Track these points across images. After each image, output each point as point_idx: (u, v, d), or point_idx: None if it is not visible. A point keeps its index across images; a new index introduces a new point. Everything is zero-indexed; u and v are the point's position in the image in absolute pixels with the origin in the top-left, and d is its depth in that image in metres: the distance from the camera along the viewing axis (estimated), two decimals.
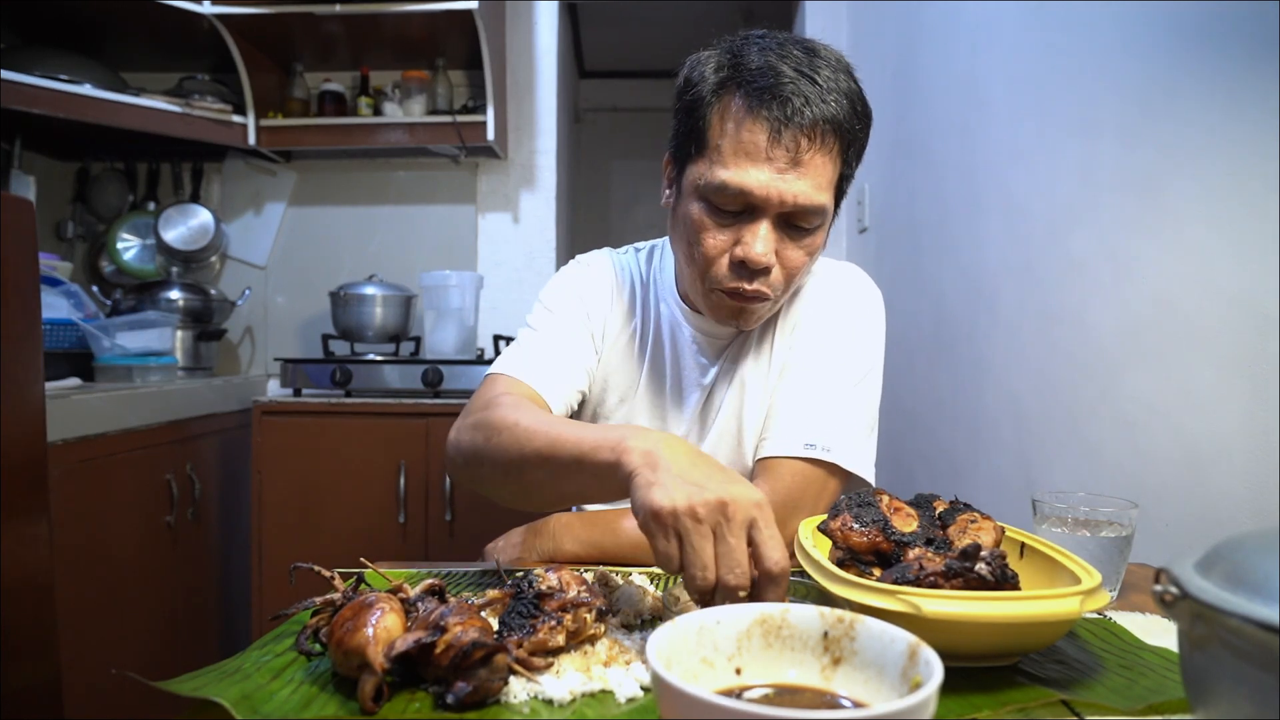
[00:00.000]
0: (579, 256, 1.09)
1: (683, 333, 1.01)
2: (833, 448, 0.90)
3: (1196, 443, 0.94)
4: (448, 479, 2.05)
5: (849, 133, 0.85)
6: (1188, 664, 0.41)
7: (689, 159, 0.88)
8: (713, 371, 1.00)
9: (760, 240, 0.83)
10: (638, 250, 1.10)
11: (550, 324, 1.01)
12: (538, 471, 0.75)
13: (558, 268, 2.62)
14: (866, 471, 0.93)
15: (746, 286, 0.86)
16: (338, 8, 2.21)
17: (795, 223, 0.85)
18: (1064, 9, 1.25)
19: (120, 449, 1.72)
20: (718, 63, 0.86)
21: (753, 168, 0.82)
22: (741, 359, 0.99)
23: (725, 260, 0.86)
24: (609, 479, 0.66)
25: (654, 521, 0.59)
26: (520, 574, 0.63)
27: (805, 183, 0.82)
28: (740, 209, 0.84)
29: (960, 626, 0.52)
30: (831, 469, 0.90)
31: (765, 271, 0.85)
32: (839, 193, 0.89)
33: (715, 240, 0.86)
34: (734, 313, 0.90)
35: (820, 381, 0.94)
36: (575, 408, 1.02)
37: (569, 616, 0.58)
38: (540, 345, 0.98)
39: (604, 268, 1.06)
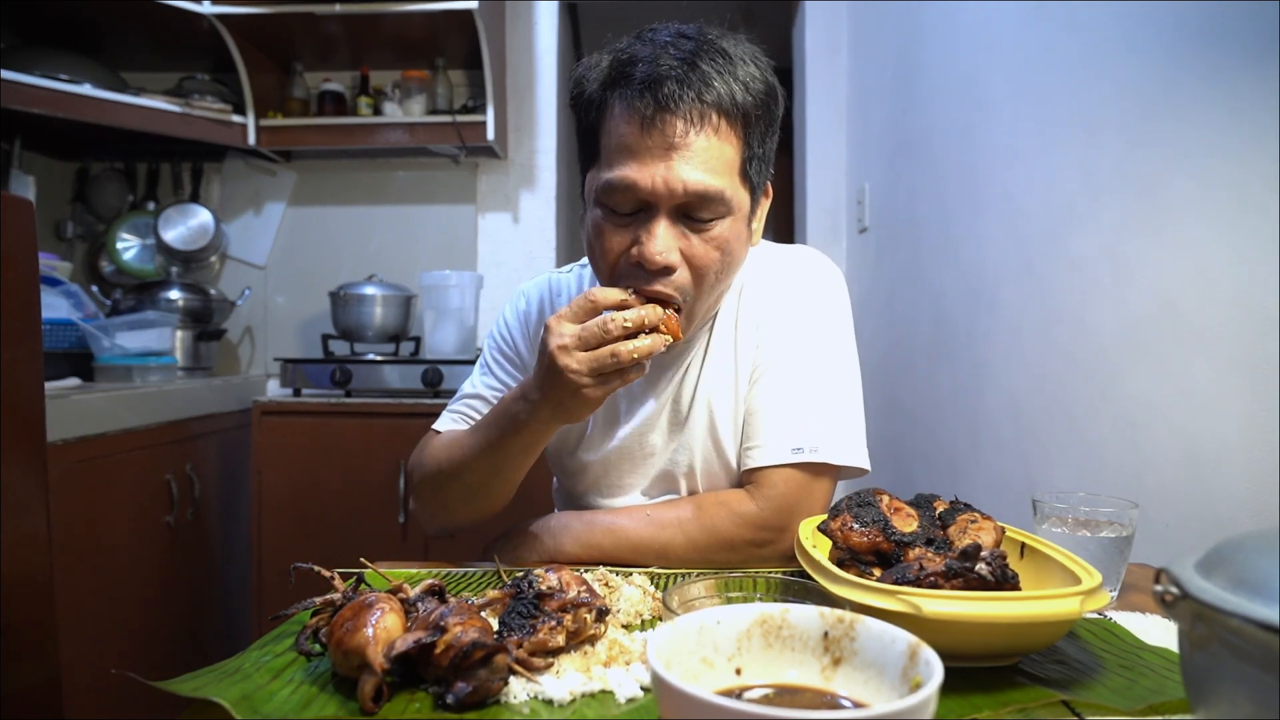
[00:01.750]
0: (520, 287, 1.08)
1: None
2: (820, 446, 0.88)
3: (1196, 443, 0.94)
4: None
5: (744, 113, 0.79)
6: (1188, 664, 0.41)
7: (588, 168, 0.86)
8: (675, 379, 0.96)
9: (655, 239, 0.78)
10: (583, 266, 1.06)
11: (487, 382, 1.04)
12: (486, 470, 0.89)
13: (557, 267, 2.62)
14: (860, 460, 0.91)
15: (646, 290, 0.80)
16: (338, 8, 2.21)
17: (695, 214, 0.79)
18: (1064, 9, 1.25)
19: (120, 449, 1.72)
20: (603, 64, 0.83)
21: (633, 160, 0.78)
22: (705, 363, 0.95)
23: (624, 264, 0.81)
24: (523, 412, 0.81)
25: (561, 371, 0.75)
26: (520, 574, 0.63)
27: (690, 166, 0.77)
28: (634, 208, 0.80)
29: (960, 626, 0.52)
30: (823, 467, 0.89)
31: (667, 271, 0.79)
32: (751, 180, 0.84)
33: (613, 244, 0.81)
34: None
35: (796, 380, 0.91)
36: None
37: (569, 616, 0.58)
38: (474, 401, 1.04)
39: (537, 299, 1.05)
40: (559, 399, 0.78)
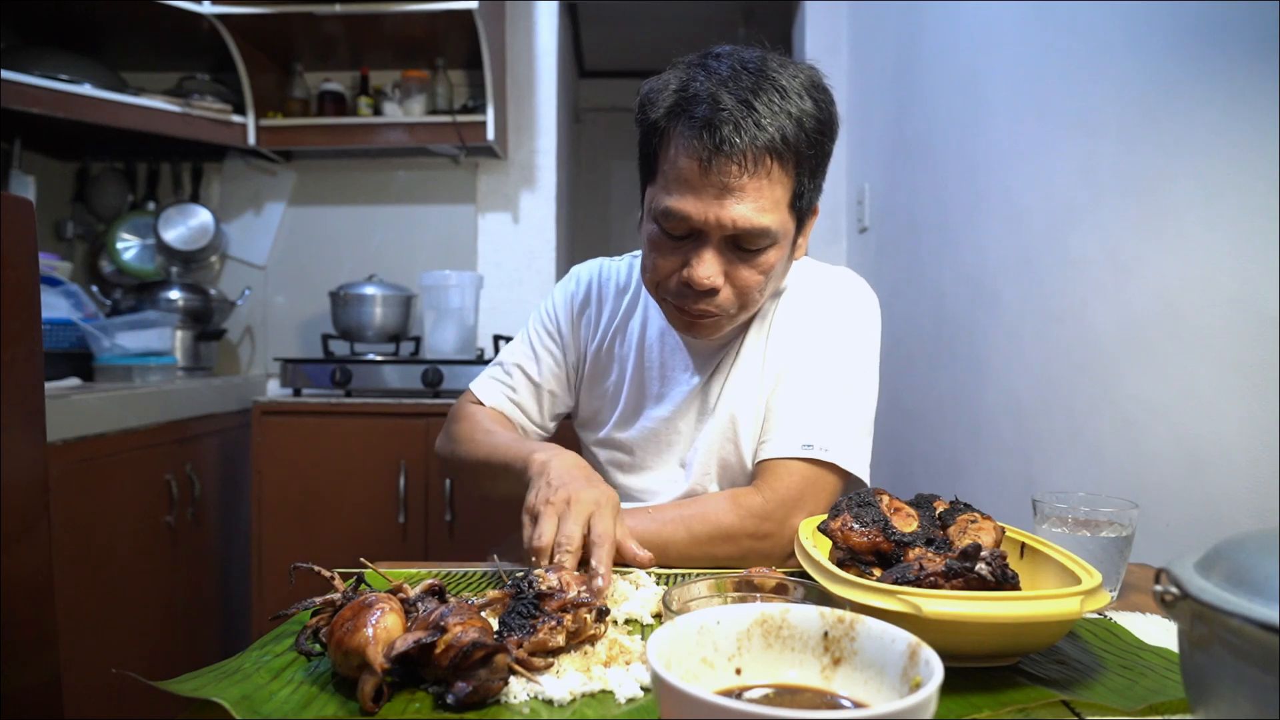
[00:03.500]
0: (574, 269, 1.16)
1: (673, 336, 1.04)
2: (830, 448, 0.92)
3: (1196, 443, 0.94)
4: (449, 478, 2.05)
5: (797, 153, 0.85)
6: (1188, 664, 0.41)
7: (647, 182, 0.93)
8: (706, 372, 1.02)
9: (703, 264, 0.86)
10: (635, 257, 1.12)
11: (525, 352, 1.12)
12: (484, 473, 0.99)
13: (558, 268, 2.63)
14: (862, 471, 0.94)
15: (691, 305, 0.89)
16: (338, 8, 2.21)
17: (742, 245, 0.87)
18: (1064, 9, 1.25)
19: (120, 449, 1.72)
20: (669, 90, 0.88)
21: (690, 195, 0.85)
22: (736, 361, 1.01)
23: (675, 279, 0.90)
24: (521, 479, 0.87)
25: (524, 511, 0.80)
26: (520, 574, 0.63)
27: (744, 206, 0.84)
28: (686, 234, 0.87)
29: (960, 626, 0.52)
30: (830, 469, 0.92)
31: (711, 292, 0.88)
32: (800, 209, 0.90)
33: (666, 260, 0.90)
34: (686, 326, 0.94)
35: (817, 384, 0.96)
36: (552, 419, 1.15)
37: (569, 617, 0.58)
38: (513, 369, 1.12)
39: (586, 282, 1.13)
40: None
